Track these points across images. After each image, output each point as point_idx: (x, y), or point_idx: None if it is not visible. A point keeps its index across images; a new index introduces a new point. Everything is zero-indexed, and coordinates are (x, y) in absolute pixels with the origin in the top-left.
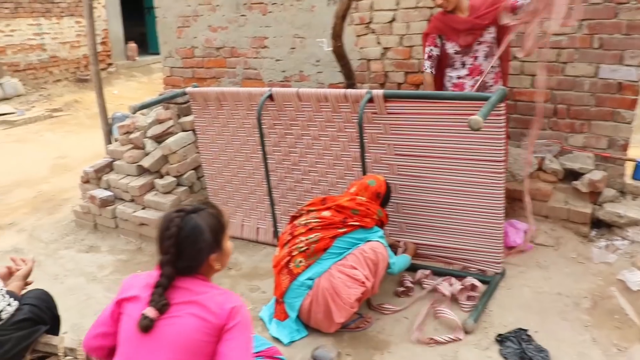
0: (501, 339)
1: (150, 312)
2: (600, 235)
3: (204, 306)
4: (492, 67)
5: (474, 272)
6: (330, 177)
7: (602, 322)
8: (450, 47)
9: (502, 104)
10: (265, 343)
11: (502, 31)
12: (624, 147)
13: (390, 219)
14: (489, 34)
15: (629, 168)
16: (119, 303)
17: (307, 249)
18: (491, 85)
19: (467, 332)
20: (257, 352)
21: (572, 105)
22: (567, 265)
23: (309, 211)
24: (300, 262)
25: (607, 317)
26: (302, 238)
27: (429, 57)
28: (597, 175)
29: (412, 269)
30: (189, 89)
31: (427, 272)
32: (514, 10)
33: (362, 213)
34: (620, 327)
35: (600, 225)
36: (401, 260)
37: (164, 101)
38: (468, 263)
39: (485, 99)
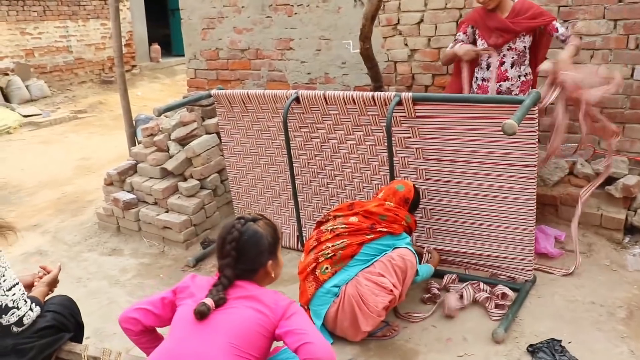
0: (533, 350)
1: (208, 301)
2: (635, 242)
3: (261, 301)
4: (519, 76)
5: (503, 279)
6: (357, 181)
7: (639, 333)
8: (480, 44)
9: (535, 108)
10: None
11: (537, 44)
12: None
13: (420, 225)
14: (522, 43)
15: None
16: (175, 292)
17: (333, 255)
18: (516, 95)
19: (497, 342)
20: None
21: (605, 108)
22: (600, 273)
23: (335, 217)
24: (327, 268)
25: None
26: (329, 244)
27: (455, 40)
28: (631, 180)
29: (439, 275)
30: (213, 92)
31: (454, 276)
32: (550, 33)
33: (390, 219)
34: None
35: (634, 231)
36: (424, 270)
37: (189, 104)
38: (498, 270)
39: (518, 102)
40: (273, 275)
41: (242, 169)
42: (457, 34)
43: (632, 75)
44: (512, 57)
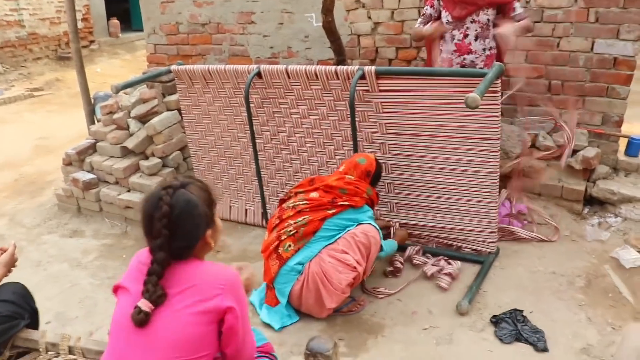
0: (496, 320)
1: (145, 304)
2: (593, 213)
3: (201, 291)
4: (483, 49)
5: (467, 252)
6: (321, 157)
7: (597, 301)
8: (444, 16)
9: (498, 81)
10: (261, 339)
11: (501, 19)
12: (618, 124)
13: (381, 199)
14: (485, 15)
15: (622, 144)
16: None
17: (295, 232)
18: (481, 68)
19: (461, 314)
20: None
21: (566, 81)
22: (561, 244)
23: (297, 193)
24: (290, 246)
25: (601, 295)
26: (291, 221)
27: (423, 14)
28: (590, 152)
29: (403, 249)
30: (173, 67)
31: (417, 247)
32: (508, 12)
33: (350, 192)
34: (614, 305)
35: (593, 202)
36: (388, 245)
37: (148, 80)
38: (462, 243)
39: (481, 75)
40: (213, 243)
41: (204, 146)
42: (425, 8)
43: (592, 48)
44: (476, 30)
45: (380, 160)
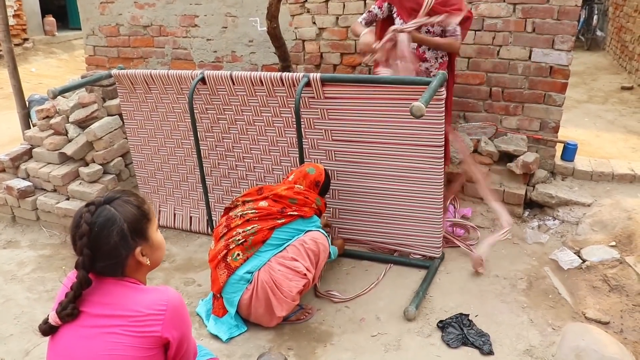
0: (443, 325)
1: (52, 317)
2: (533, 216)
3: (134, 317)
4: (436, 58)
5: (413, 257)
6: (266, 164)
7: (538, 303)
8: (398, 23)
9: (442, 89)
10: (207, 353)
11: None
12: (555, 129)
13: (328, 205)
14: (439, 26)
15: (559, 149)
16: None
17: (244, 241)
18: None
19: (409, 320)
20: None
21: (506, 88)
22: (503, 247)
23: (244, 202)
24: (238, 255)
25: (542, 297)
26: (239, 230)
27: (369, 12)
28: (530, 157)
29: (350, 255)
30: (114, 72)
31: None
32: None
33: (300, 202)
34: (554, 306)
35: (533, 206)
36: (333, 251)
37: (87, 84)
38: (407, 248)
39: (425, 83)
40: (149, 262)
41: (147, 152)
42: (373, 6)
43: (529, 57)
44: None
45: (326, 167)
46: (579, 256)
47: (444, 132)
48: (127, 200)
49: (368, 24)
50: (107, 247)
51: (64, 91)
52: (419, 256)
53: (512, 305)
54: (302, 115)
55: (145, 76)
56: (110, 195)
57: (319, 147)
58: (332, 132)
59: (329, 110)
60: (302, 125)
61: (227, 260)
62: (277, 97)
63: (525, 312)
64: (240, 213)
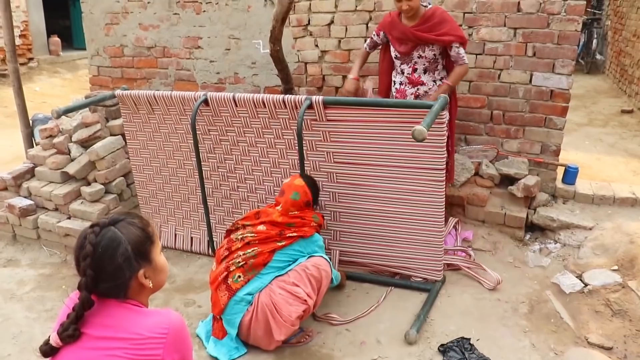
0: (444, 349)
1: (54, 338)
2: (534, 239)
3: (135, 339)
4: (434, 81)
5: (414, 280)
6: (268, 185)
7: (540, 327)
8: (392, 50)
9: (444, 112)
10: None
11: (447, 53)
12: (556, 153)
13: (328, 227)
14: (431, 51)
15: (560, 172)
16: None
17: (245, 263)
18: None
19: (410, 344)
20: None
21: (507, 111)
22: (504, 270)
23: (244, 225)
24: (239, 277)
25: (544, 321)
26: (240, 253)
27: (371, 38)
28: (531, 180)
29: (351, 278)
30: (118, 92)
31: None
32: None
33: (298, 224)
34: (556, 330)
35: (534, 229)
36: (336, 276)
37: (91, 104)
38: (408, 271)
39: (427, 107)
40: (151, 284)
41: (149, 173)
42: (373, 32)
43: (530, 81)
44: (424, 64)
45: (327, 189)
46: (581, 280)
47: (445, 155)
48: (132, 222)
49: (372, 49)
50: (111, 268)
51: (67, 111)
52: (420, 279)
53: (514, 329)
54: (304, 137)
55: (148, 97)
56: (114, 217)
57: (321, 169)
58: (334, 154)
59: (331, 133)
60: (304, 147)
61: (228, 282)
62: (279, 119)
63: (527, 337)
64: (241, 236)
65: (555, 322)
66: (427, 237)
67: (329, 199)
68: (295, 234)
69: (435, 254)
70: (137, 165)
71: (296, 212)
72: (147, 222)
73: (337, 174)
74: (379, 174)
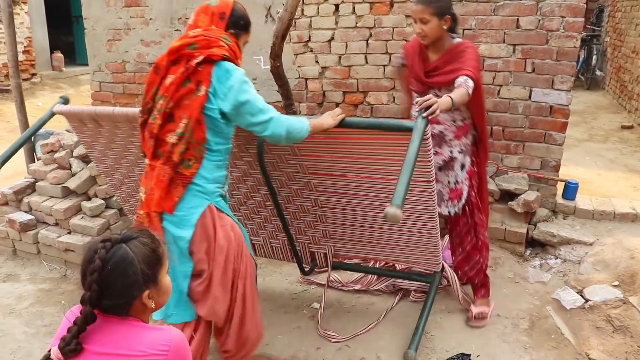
0: None
1: (55, 353)
2: (535, 255)
3: (133, 357)
4: (453, 121)
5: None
6: (237, 197)
7: (540, 343)
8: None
9: (427, 129)
10: None
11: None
12: (556, 168)
13: (316, 227)
14: (448, 91)
15: (560, 188)
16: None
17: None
18: (451, 140)
19: None
20: None
21: (507, 127)
22: (505, 286)
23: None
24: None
25: (544, 337)
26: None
27: (397, 57)
28: (531, 195)
29: (350, 269)
30: (56, 109)
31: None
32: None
33: (202, 45)
34: (556, 347)
35: (535, 244)
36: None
37: (30, 137)
38: (406, 263)
39: (406, 129)
40: (153, 305)
41: (118, 177)
42: (400, 51)
43: (529, 96)
44: None
45: (308, 197)
46: (581, 296)
47: (432, 168)
48: (144, 242)
49: (402, 66)
50: (118, 287)
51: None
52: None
53: (514, 345)
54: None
55: (90, 113)
56: (127, 234)
57: (296, 179)
58: (308, 166)
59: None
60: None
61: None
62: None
63: (528, 353)
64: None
65: (556, 338)
66: (421, 232)
67: (311, 204)
68: (201, 57)
69: (432, 245)
70: (104, 171)
71: (200, 31)
72: (158, 242)
73: (316, 184)
74: (366, 186)
